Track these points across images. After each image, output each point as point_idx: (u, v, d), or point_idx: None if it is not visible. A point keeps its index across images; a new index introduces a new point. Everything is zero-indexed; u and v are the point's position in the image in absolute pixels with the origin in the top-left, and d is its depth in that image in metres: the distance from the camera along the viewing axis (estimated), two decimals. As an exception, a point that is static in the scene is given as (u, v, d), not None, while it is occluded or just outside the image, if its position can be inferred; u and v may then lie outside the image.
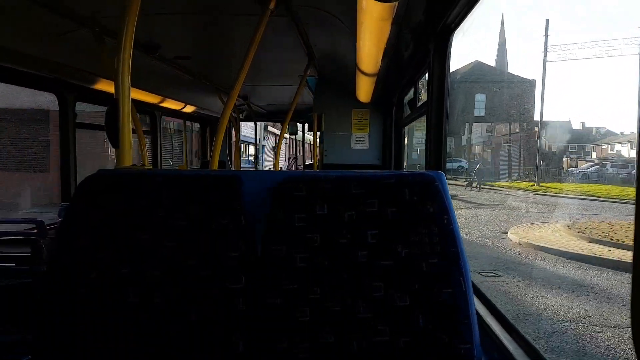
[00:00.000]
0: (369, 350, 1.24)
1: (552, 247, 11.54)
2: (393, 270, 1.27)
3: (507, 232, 13.53)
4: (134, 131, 3.02)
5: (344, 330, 1.24)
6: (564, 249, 11.23)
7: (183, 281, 1.27)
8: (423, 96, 3.24)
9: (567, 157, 39.26)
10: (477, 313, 1.42)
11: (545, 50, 33.42)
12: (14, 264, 2.32)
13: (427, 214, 1.30)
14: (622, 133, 43.91)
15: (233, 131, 7.87)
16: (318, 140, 5.60)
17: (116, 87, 1.87)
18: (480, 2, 1.90)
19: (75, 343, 1.25)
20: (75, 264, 1.28)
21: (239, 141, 7.56)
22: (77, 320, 1.26)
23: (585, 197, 23.48)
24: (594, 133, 44.78)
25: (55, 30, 2.93)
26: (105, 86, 3.83)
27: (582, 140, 43.58)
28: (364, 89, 4.13)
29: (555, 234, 13.18)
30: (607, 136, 44.07)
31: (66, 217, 1.33)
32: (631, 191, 23.54)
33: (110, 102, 1.88)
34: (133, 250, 1.29)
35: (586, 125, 45.28)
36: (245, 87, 5.79)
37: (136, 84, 2.03)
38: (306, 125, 8.28)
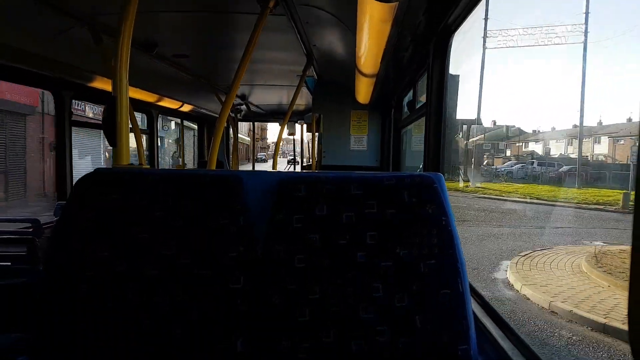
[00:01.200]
0: (368, 350, 1.23)
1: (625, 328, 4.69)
2: (392, 271, 1.27)
3: (500, 273, 9.10)
4: (131, 130, 3.00)
5: (343, 330, 1.24)
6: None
7: (182, 280, 1.27)
8: (422, 98, 3.24)
9: (487, 155, 38.61)
10: (474, 314, 1.42)
11: (485, 36, 30.74)
12: (9, 263, 2.30)
13: (425, 216, 1.30)
14: (534, 131, 44.03)
15: (231, 131, 7.85)
16: (317, 140, 5.60)
17: (114, 85, 1.86)
18: (480, 3, 1.91)
19: (73, 342, 1.24)
20: (71, 263, 1.27)
21: (236, 141, 7.53)
22: (74, 319, 1.25)
23: (535, 202, 20.74)
24: (505, 131, 44.49)
25: (53, 28, 2.91)
26: (102, 84, 3.81)
27: (495, 138, 43.32)
28: (363, 90, 4.12)
29: (588, 280, 8.56)
30: (520, 134, 43.92)
31: (62, 216, 1.32)
32: (576, 192, 22.79)
33: (108, 100, 1.87)
34: (130, 249, 1.27)
35: (497, 123, 45.15)
36: (244, 87, 5.78)
37: (133, 82, 2.02)
38: (304, 126, 8.15)
